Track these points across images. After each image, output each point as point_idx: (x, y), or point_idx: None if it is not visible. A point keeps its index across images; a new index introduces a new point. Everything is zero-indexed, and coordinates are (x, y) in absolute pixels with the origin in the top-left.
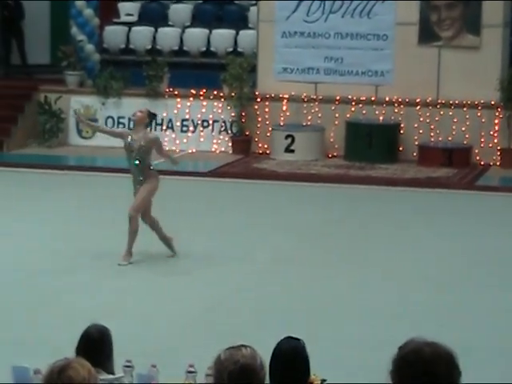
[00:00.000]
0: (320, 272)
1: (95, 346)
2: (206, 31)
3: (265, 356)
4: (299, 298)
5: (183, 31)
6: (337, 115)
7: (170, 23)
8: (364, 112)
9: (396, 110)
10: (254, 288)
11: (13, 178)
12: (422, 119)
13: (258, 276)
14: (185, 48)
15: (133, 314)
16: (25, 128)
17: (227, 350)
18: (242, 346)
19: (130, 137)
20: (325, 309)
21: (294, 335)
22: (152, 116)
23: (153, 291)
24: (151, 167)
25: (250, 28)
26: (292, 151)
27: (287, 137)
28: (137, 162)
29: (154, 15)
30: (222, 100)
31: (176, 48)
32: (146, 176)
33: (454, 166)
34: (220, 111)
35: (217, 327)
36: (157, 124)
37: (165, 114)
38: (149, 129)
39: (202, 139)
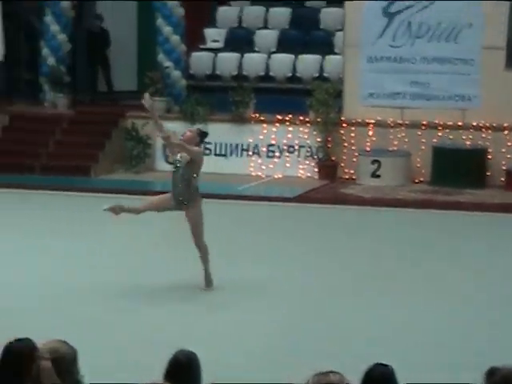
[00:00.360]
0: (408, 299)
1: (183, 371)
2: (292, 57)
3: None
4: (385, 324)
5: (269, 57)
6: (423, 140)
7: (255, 49)
8: (451, 137)
9: (483, 135)
10: (336, 314)
11: (100, 203)
12: (509, 144)
13: (339, 302)
14: (271, 74)
15: (214, 340)
16: (112, 154)
17: (316, 375)
18: (331, 371)
19: (179, 154)
20: (409, 337)
21: (381, 361)
22: (203, 135)
23: (234, 315)
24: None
25: (335, 53)
26: (378, 176)
27: (373, 162)
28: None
29: (240, 41)
30: (308, 125)
31: (262, 74)
32: (190, 198)
33: None
34: (306, 137)
35: (300, 352)
36: (243, 150)
37: (251, 140)
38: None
39: (287, 165)
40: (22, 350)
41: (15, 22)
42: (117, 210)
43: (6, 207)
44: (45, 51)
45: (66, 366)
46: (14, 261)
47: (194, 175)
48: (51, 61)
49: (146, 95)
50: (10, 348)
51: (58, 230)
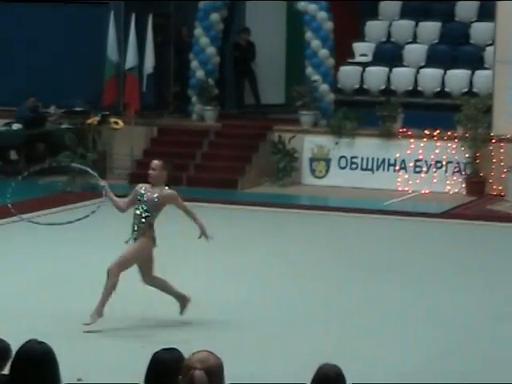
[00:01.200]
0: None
1: None
2: (441, 71)
3: None
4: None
5: (417, 71)
6: None
7: (404, 63)
8: None
9: None
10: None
11: (246, 216)
12: None
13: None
14: (419, 88)
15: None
16: (259, 167)
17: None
18: None
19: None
20: None
21: None
22: (168, 165)
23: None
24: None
25: (485, 68)
26: None
27: None
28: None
29: (389, 55)
30: (456, 141)
31: (410, 88)
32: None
33: None
34: (454, 152)
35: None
36: (389, 165)
37: (398, 155)
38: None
39: (434, 180)
40: (168, 360)
41: (165, 34)
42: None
43: None
44: (194, 64)
45: (217, 376)
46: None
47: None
48: (200, 74)
49: (102, 181)
50: (157, 358)
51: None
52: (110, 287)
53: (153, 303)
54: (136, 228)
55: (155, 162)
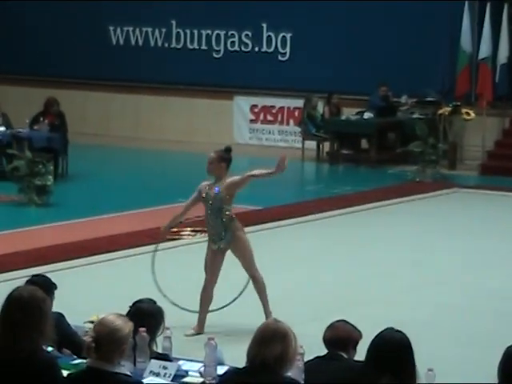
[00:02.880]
0: None
1: None
2: None
3: None
4: None
5: None
6: None
7: None
8: None
9: None
10: None
11: None
12: None
13: None
14: None
15: None
16: None
17: None
18: None
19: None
20: None
21: None
22: (226, 153)
23: None
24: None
25: None
26: None
27: None
28: None
29: None
30: None
31: None
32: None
33: None
34: None
35: None
36: None
37: None
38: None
39: None
40: None
41: None
42: None
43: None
44: None
45: None
46: None
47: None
48: None
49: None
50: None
51: None
52: (262, 288)
53: None
54: (223, 234)
55: (211, 155)
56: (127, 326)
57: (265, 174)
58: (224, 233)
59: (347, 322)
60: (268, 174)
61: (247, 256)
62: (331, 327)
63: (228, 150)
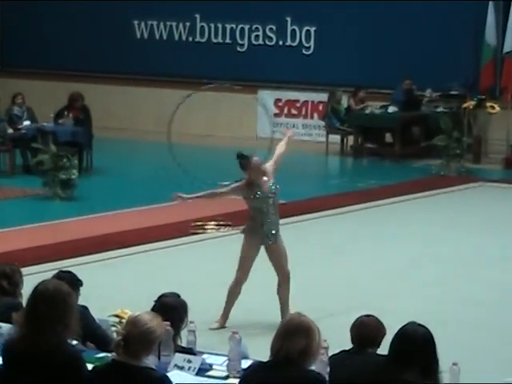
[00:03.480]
0: None
1: None
2: None
3: None
4: None
5: None
6: None
7: None
8: None
9: None
10: None
11: None
12: None
13: None
14: None
15: None
16: None
17: None
18: None
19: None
20: None
21: None
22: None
23: None
24: None
25: None
26: None
27: None
28: None
29: None
30: None
31: None
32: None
33: None
34: None
35: None
36: None
37: None
38: None
39: None
40: None
41: None
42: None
43: None
44: None
45: None
46: None
47: None
48: None
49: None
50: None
51: None
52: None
53: None
54: (274, 230)
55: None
56: (160, 328)
57: (284, 147)
58: (277, 230)
59: (374, 317)
60: (286, 144)
61: (286, 254)
62: (360, 323)
63: (240, 156)
